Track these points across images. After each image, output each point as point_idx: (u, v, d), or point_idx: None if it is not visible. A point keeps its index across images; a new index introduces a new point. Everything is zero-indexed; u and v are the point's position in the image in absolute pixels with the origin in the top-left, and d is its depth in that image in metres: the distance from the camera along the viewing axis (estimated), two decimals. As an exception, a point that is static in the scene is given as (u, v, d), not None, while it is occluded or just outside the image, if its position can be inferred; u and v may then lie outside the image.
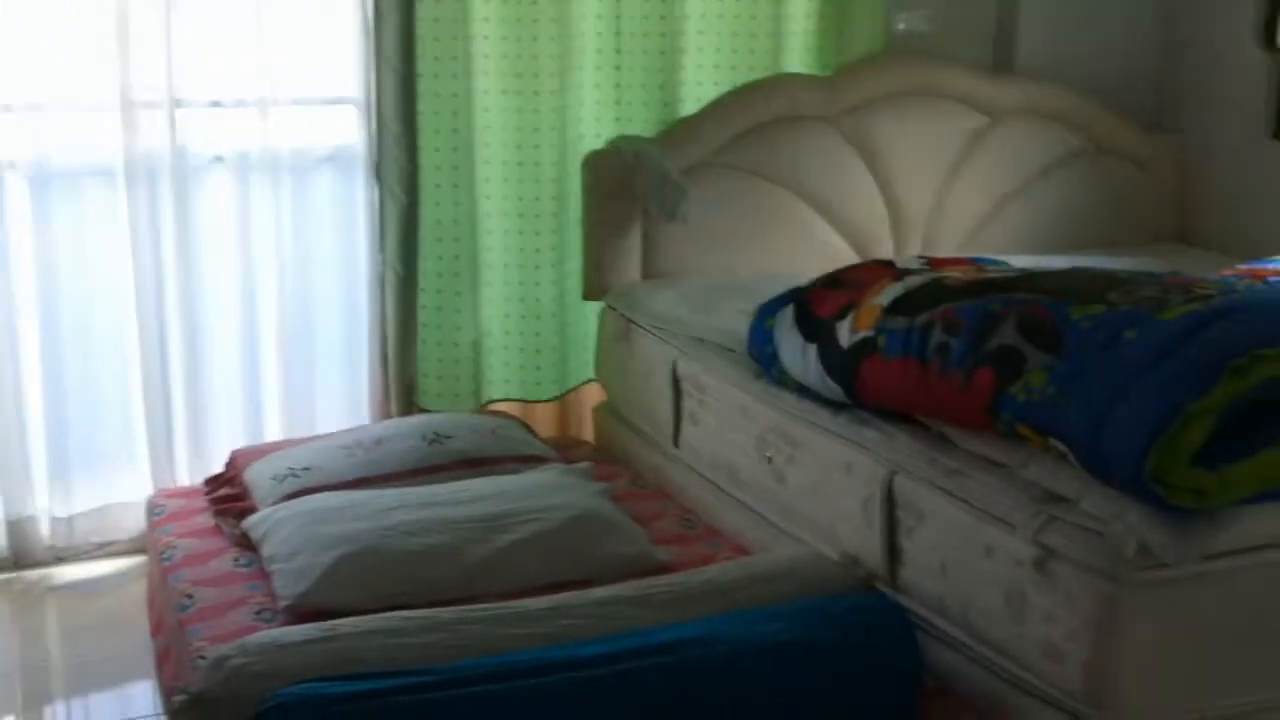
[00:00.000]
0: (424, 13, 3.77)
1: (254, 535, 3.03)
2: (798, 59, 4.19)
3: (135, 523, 3.69)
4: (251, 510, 3.17)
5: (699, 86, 4.11)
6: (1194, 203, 4.50)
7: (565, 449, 3.72)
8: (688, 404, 3.51)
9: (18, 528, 3.75)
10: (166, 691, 2.81)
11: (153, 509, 3.41)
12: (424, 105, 3.82)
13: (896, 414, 2.79)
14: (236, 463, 3.50)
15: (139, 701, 3.16)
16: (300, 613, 2.70)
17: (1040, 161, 4.33)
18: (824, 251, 4.01)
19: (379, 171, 3.87)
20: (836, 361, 2.85)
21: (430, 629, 2.45)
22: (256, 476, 3.33)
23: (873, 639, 2.51)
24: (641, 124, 4.08)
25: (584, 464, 3.43)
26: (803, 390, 3.01)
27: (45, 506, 3.78)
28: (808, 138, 4.07)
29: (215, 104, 3.77)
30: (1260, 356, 2.26)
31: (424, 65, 3.80)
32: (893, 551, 2.74)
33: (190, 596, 2.85)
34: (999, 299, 2.60)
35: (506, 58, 3.90)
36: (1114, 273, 2.70)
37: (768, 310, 3.10)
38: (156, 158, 3.70)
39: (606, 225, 3.91)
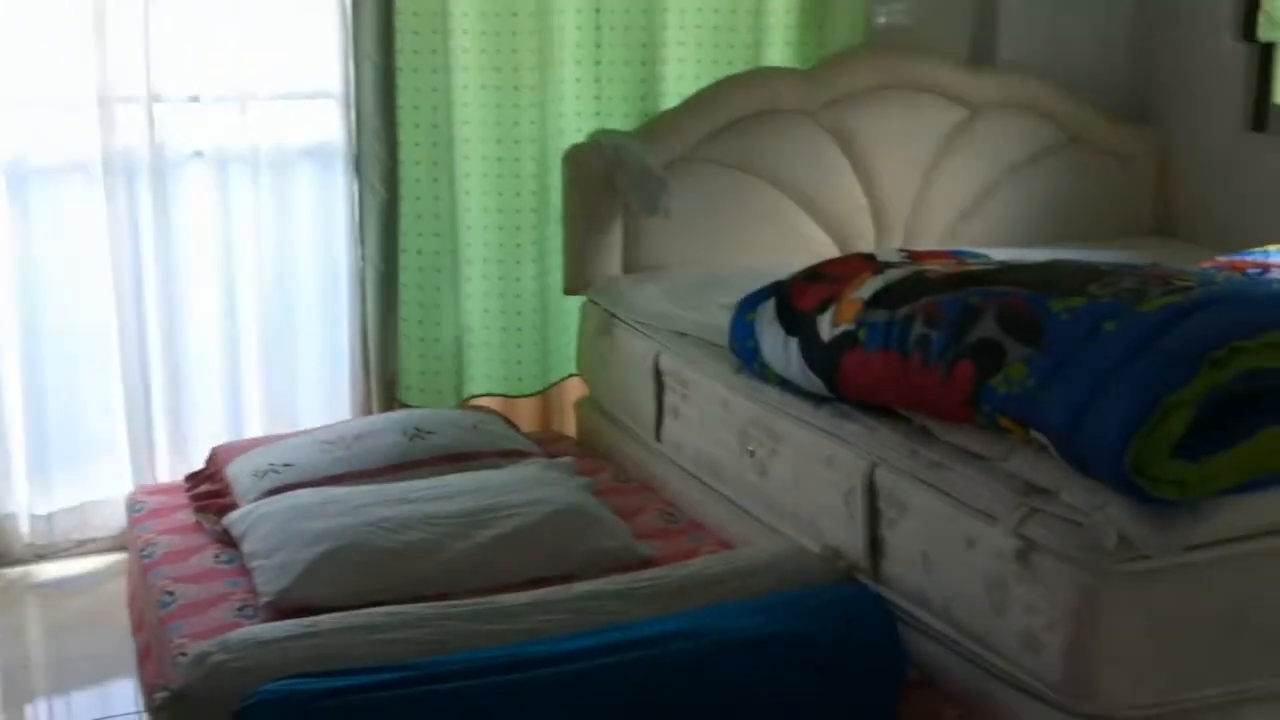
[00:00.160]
0: (402, 5, 3.75)
1: (235, 531, 3.01)
2: (778, 53, 4.19)
3: (115, 520, 3.68)
4: (232, 506, 3.16)
5: (679, 80, 4.11)
6: (1173, 195, 4.52)
7: (547, 444, 3.72)
8: (670, 398, 3.51)
9: (-3, 525, 3.74)
10: (148, 689, 2.79)
11: (133, 506, 3.40)
12: (403, 99, 3.81)
13: (878, 407, 2.79)
14: (217, 459, 3.49)
15: (120, 699, 3.15)
16: (281, 609, 2.69)
17: (1020, 154, 4.34)
18: (805, 245, 4.00)
19: (359, 166, 3.86)
20: (818, 355, 2.85)
21: (412, 625, 2.45)
22: (237, 473, 3.32)
23: (855, 631, 2.51)
24: (622, 118, 4.08)
25: (566, 459, 3.42)
26: (784, 384, 3.01)
27: (25, 503, 3.76)
28: (788, 131, 4.07)
29: (194, 99, 3.75)
30: (1239, 348, 2.26)
31: (403, 59, 3.79)
32: (874, 544, 2.75)
33: (171, 593, 2.84)
34: (979, 291, 2.60)
35: (486, 51, 3.89)
36: (1094, 265, 2.70)
37: (749, 304, 3.10)
38: (135, 154, 3.68)
39: (587, 220, 3.91)
